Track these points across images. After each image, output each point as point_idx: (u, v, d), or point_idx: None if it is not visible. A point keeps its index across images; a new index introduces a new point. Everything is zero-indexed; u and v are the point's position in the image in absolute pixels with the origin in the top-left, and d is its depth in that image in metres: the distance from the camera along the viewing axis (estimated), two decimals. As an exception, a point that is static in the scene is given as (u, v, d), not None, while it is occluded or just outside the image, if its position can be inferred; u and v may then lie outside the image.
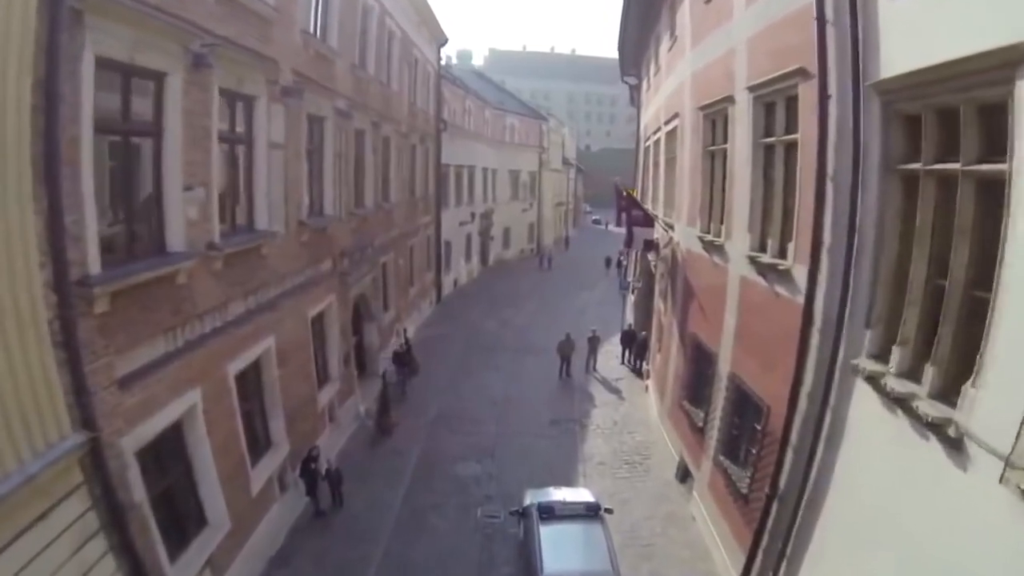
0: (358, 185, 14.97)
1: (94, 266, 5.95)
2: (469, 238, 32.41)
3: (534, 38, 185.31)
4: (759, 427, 8.13)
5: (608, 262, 37.11)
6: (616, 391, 16.82)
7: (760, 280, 8.15)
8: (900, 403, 5.24)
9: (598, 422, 14.64)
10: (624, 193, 14.11)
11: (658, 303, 14.85)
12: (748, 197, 8.62)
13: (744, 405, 8.75)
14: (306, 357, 11.49)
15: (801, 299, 6.98)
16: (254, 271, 9.34)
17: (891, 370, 5.51)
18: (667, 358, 12.98)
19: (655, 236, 13.68)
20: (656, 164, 16.98)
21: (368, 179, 15.53)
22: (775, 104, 8.21)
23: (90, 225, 5.90)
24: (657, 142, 16.61)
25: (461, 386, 17.01)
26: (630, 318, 20.97)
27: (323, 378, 12.72)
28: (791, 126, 7.83)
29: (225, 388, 8.56)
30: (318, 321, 12.36)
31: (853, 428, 6.13)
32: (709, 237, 10.15)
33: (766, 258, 7.97)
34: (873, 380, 5.68)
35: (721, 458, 9.40)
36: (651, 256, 16.83)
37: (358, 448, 13.30)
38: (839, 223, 6.44)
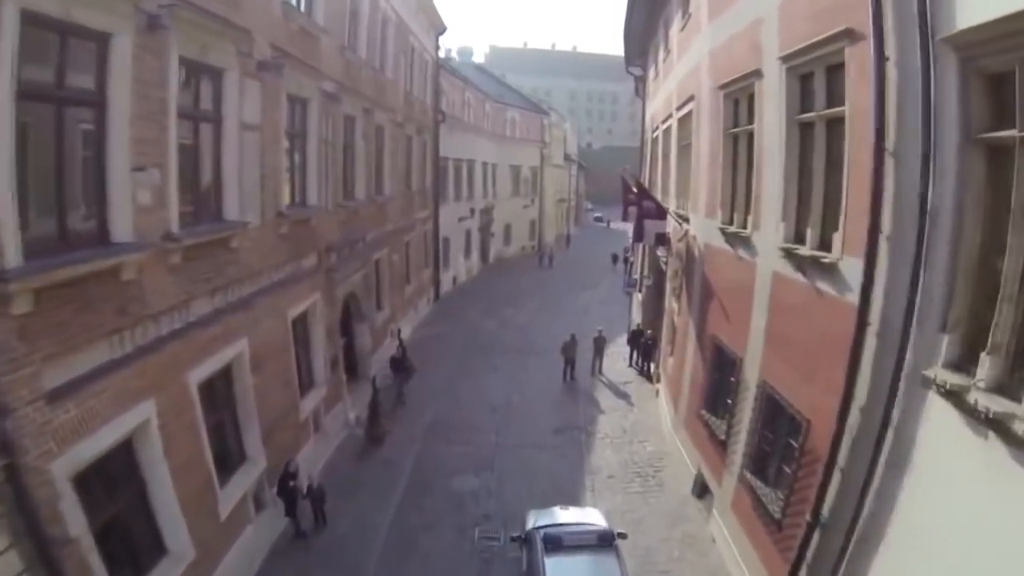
0: (347, 175, 13.93)
1: (13, 258, 4.94)
2: (469, 234, 31.36)
3: (535, 35, 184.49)
4: (796, 444, 7.09)
5: (615, 258, 36.18)
6: (624, 396, 15.77)
7: (797, 276, 7.10)
8: (995, 425, 4.20)
9: (606, 430, 13.59)
10: (634, 183, 13.03)
11: (670, 302, 13.80)
12: (781, 182, 7.57)
13: (777, 418, 7.71)
14: (286, 361, 10.46)
15: (852, 297, 5.95)
16: (223, 266, 8.31)
17: (979, 383, 4.46)
18: (682, 362, 11.93)
19: (667, 230, 12.63)
20: (666, 154, 15.93)
21: (359, 169, 14.49)
22: (813, 75, 7.16)
23: (7, 209, 4.89)
24: (667, 130, 15.56)
25: (458, 390, 15.97)
26: (637, 318, 19.90)
27: (307, 384, 11.69)
28: (834, 98, 6.78)
29: (186, 399, 7.52)
30: (300, 322, 11.33)
31: (925, 452, 5.08)
32: (732, 229, 9.10)
33: (805, 250, 6.93)
34: (954, 395, 4.63)
35: (748, 476, 8.36)
36: (661, 252, 15.78)
37: (346, 460, 12.26)
38: (904, 206, 5.40)
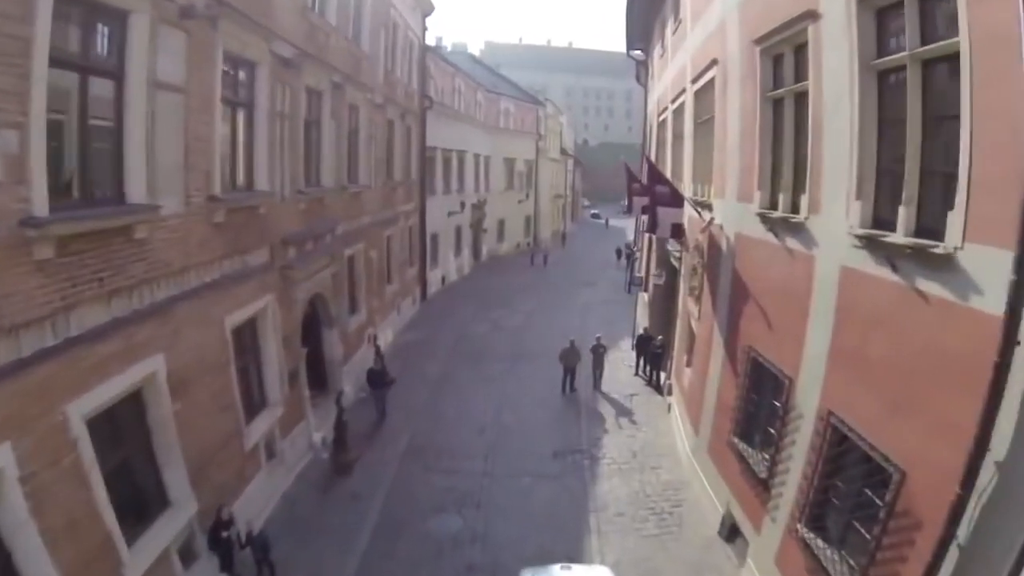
0: (311, 158, 12.04)
1: None
2: (459, 230, 29.41)
3: (530, 32, 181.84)
4: (881, 500, 5.25)
5: (619, 253, 34.45)
6: (631, 411, 13.83)
7: (883, 272, 5.26)
8: None
9: (612, 454, 11.69)
10: (645, 163, 11.13)
11: (686, 304, 11.95)
12: (853, 150, 5.73)
13: (848, 460, 5.87)
14: (224, 379, 8.56)
15: (984, 303, 4.15)
16: (124, 263, 6.41)
17: None
18: (703, 376, 10.09)
19: (683, 220, 10.77)
20: (678, 136, 14.10)
21: (326, 152, 12.58)
22: (899, 5, 5.30)
23: None
24: (679, 109, 13.73)
25: (442, 405, 14.03)
26: (644, 320, 17.99)
27: (256, 404, 9.82)
28: (934, 31, 4.94)
29: (64, 440, 5.64)
30: (247, 329, 9.47)
31: None
32: (778, 214, 7.25)
33: (897, 238, 5.08)
34: None
35: (801, 528, 6.51)
36: (672, 246, 13.93)
37: (307, 493, 10.36)
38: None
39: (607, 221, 59.44)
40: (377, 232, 16.91)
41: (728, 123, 9.09)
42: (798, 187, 6.94)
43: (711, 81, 10.18)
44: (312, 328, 13.00)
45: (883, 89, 5.63)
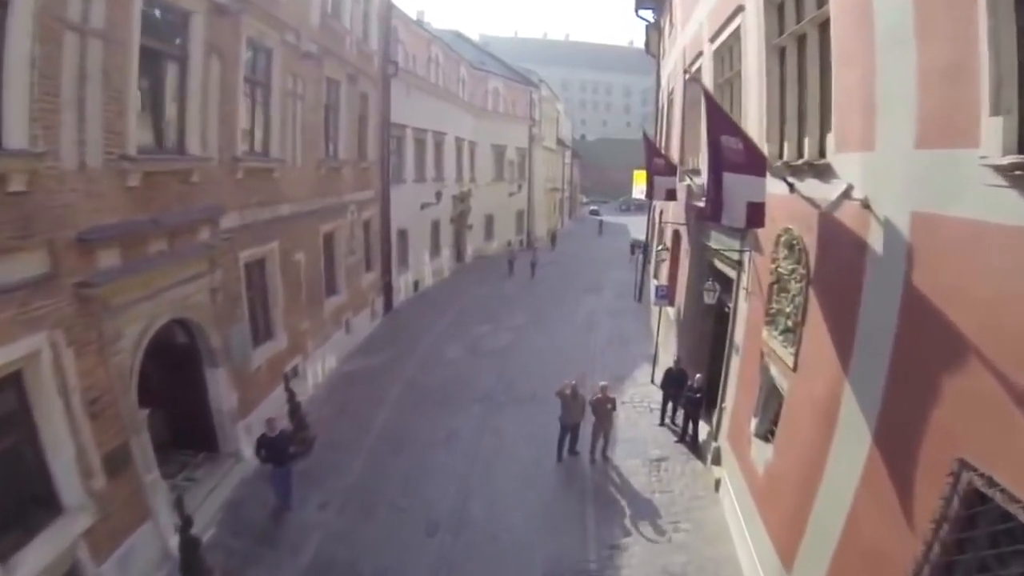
0: (160, 109, 7.78)
1: None
2: (436, 226, 24.95)
3: (526, 26, 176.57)
4: None
5: (633, 248, 29.83)
6: (661, 490, 9.34)
7: None
8: None
9: (639, 579, 7.38)
10: (703, 95, 6.64)
11: (757, 337, 7.59)
12: None
13: None
14: None
15: None
16: None
17: None
18: (808, 470, 5.69)
19: (764, 197, 6.43)
20: (724, 84, 9.82)
21: (194, 104, 8.25)
22: None
23: None
24: (726, 43, 9.47)
25: (379, 482, 9.46)
26: (671, 346, 13.52)
27: (32, 520, 5.56)
28: None
29: None
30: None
31: None
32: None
33: None
34: None
35: None
36: (715, 242, 9.67)
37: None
38: None
39: (601, 224, 52.72)
40: (308, 226, 12.54)
41: (874, 4, 4.78)
42: None
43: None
44: (190, 368, 8.82)
45: None
